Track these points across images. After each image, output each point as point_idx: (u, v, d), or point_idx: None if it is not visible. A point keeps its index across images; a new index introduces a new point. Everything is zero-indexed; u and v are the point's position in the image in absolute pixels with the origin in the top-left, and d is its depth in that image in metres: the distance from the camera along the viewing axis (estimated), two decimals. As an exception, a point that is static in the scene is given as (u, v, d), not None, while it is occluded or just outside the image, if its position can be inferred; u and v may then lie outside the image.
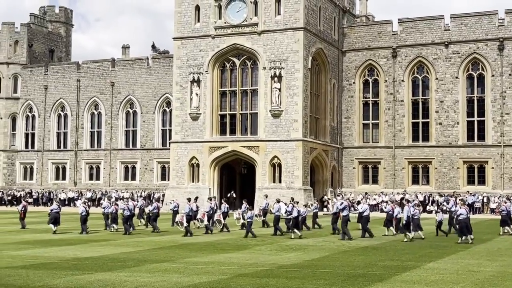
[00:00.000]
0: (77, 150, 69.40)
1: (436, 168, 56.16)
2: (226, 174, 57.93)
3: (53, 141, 71.05)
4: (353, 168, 59.30)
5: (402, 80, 57.63)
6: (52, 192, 67.05)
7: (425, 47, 56.99)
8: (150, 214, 34.33)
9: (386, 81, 58.24)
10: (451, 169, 55.67)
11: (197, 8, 55.65)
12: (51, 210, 32.87)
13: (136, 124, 67.22)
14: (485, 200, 52.51)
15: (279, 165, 52.63)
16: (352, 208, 32.58)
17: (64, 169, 70.42)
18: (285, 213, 31.22)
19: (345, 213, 29.06)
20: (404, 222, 28.13)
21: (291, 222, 29.88)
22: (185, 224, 30.70)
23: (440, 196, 53.02)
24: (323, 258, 21.90)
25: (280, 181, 52.44)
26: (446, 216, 32.53)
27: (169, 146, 58.27)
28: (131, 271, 18.60)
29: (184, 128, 55.68)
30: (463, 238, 27.21)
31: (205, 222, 32.45)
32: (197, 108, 55.05)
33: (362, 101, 59.70)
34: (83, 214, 32.21)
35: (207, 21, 55.26)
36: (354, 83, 59.48)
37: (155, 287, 15.89)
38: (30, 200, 64.81)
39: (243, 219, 32.54)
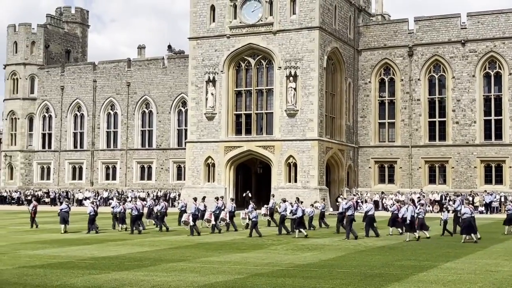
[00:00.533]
0: (93, 150, 69.77)
1: (453, 168, 55.80)
2: (242, 174, 57.97)
3: (69, 141, 71.47)
4: (369, 167, 59.08)
5: (419, 79, 57.32)
6: (69, 192, 67.45)
7: (441, 45, 56.63)
8: (158, 214, 34.55)
9: (402, 80, 57.95)
10: (468, 168, 55.29)
11: (212, 8, 55.71)
12: (61, 210, 33.09)
13: (152, 124, 67.44)
14: (502, 199, 52.07)
15: (295, 165, 52.54)
16: (358, 208, 32.56)
17: (80, 169, 70.81)
18: (290, 212, 31.26)
19: (350, 212, 29.07)
20: (408, 221, 28.05)
21: (295, 222, 29.95)
22: (191, 223, 30.72)
23: (457, 195, 52.71)
24: (340, 258, 21.84)
25: (295, 181, 52.35)
26: (452, 215, 32.31)
27: (185, 146, 58.40)
28: (148, 271, 18.66)
29: (200, 128, 55.77)
30: (467, 237, 27.03)
31: (213, 221, 32.44)
32: (212, 108, 55.11)
33: (378, 100, 59.46)
34: (91, 213, 32.41)
35: (222, 21, 55.30)
36: (370, 82, 59.25)
37: (172, 287, 15.92)
38: (47, 200, 65.33)
39: (249, 219, 32.66)
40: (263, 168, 57.43)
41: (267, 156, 53.73)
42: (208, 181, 55.12)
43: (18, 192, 69.01)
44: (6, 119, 73.71)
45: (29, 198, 65.24)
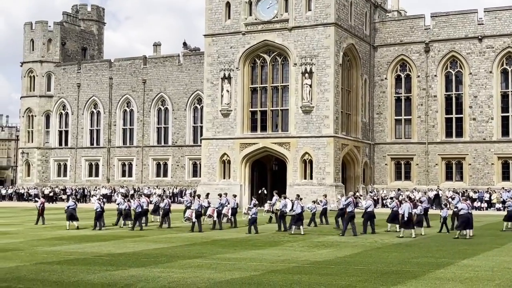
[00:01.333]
0: (109, 147, 70.09)
1: (470, 164, 55.43)
2: (257, 171, 57.96)
3: (86, 138, 71.87)
4: (385, 164, 58.84)
5: (435, 75, 56.97)
6: (86, 189, 67.83)
7: (458, 41, 56.23)
8: (161, 211, 34.87)
9: (418, 76, 57.62)
10: (485, 165, 54.89)
11: (228, 5, 55.70)
12: (68, 207, 33.27)
13: (168, 121, 67.66)
14: (520, 196, 51.63)
15: (310, 162, 52.44)
16: (358, 204, 32.70)
17: (97, 166, 71.19)
18: (290, 210, 31.31)
19: (350, 209, 29.04)
20: (406, 219, 27.96)
21: (294, 218, 30.11)
22: (193, 219, 30.90)
23: (474, 192, 52.40)
24: (356, 255, 21.77)
25: (311, 178, 52.25)
26: (450, 212, 32.17)
27: (201, 142, 58.50)
28: (164, 267, 18.71)
29: (215, 125, 55.82)
30: (462, 233, 27.15)
31: (215, 217, 32.65)
32: (228, 105, 55.13)
33: (394, 96, 59.17)
34: (98, 210, 32.67)
35: (237, 18, 55.28)
36: (386, 78, 58.98)
37: (188, 283, 15.94)
38: (64, 197, 65.68)
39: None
40: (278, 165, 57.40)
41: (282, 153, 53.68)
42: (224, 178, 55.16)
43: (36, 189, 69.48)
44: (23, 116, 74.26)
45: (51, 195, 65.40)
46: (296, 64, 52.98)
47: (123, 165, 70.01)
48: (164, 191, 60.98)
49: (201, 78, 60.75)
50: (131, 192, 61.24)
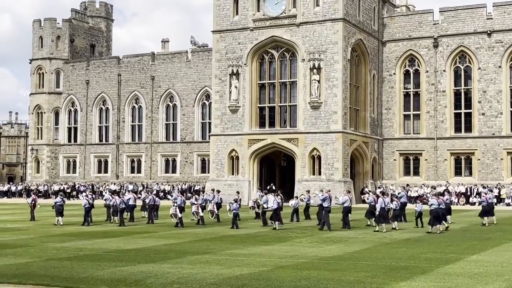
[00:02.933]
0: (118, 143, 70.30)
1: (479, 159, 55.24)
2: (266, 167, 57.98)
3: (95, 135, 72.10)
4: (394, 159, 58.72)
5: (444, 70, 56.75)
6: (95, 185, 68.06)
7: (467, 36, 55.98)
8: (147, 206, 35.46)
9: (427, 71, 57.43)
10: (495, 160, 54.68)
11: (236, 1, 55.64)
12: (55, 203, 33.77)
13: (176, 117, 67.78)
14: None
15: (319, 157, 52.41)
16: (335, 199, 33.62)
17: (106, 162, 71.41)
18: (266, 204, 31.97)
19: (326, 204, 30.02)
20: (378, 213, 28.82)
21: (266, 214, 31.41)
22: (179, 215, 31.72)
23: (484, 187, 52.19)
24: (365, 251, 21.77)
25: (319, 173, 52.23)
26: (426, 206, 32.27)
27: (209, 139, 58.55)
28: (173, 263, 18.78)
29: (224, 121, 55.85)
30: (433, 227, 27.60)
31: (201, 213, 33.18)
32: (236, 101, 55.15)
33: (403, 92, 59.00)
34: (86, 206, 33.13)
35: (245, 14, 55.24)
36: (394, 73, 58.80)
37: (197, 279, 15.99)
38: (73, 193, 65.91)
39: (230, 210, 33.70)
40: (287, 161, 57.39)
41: (291, 148, 53.66)
42: (232, 174, 55.22)
43: (45, 186, 69.77)
44: (32, 113, 74.57)
45: (69, 190, 65.38)
46: (304, 59, 52.92)
47: (132, 161, 70.21)
48: (173, 187, 61.07)
49: (209, 74, 60.79)
50: (140, 188, 61.50)
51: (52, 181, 71.92)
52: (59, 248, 22.68)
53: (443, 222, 28.35)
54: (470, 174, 55.94)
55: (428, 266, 18.04)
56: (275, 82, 54.96)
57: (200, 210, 33.20)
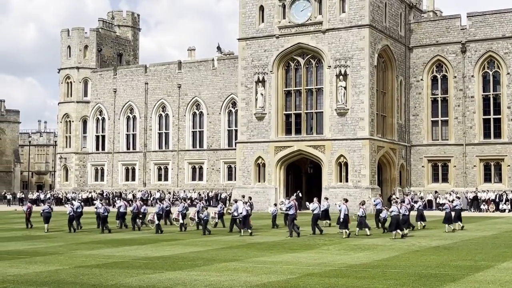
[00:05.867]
0: (145, 151, 70.74)
1: (509, 166, 54.47)
2: (292, 174, 57.85)
3: (122, 143, 72.65)
4: (422, 166, 58.19)
5: (472, 76, 56.17)
6: (122, 193, 68.48)
7: (495, 41, 55.38)
8: (131, 213, 35.97)
9: (455, 77, 56.89)
10: (525, 166, 53.88)
11: (261, 8, 55.78)
12: (43, 211, 34.57)
13: (203, 125, 68.01)
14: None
15: (346, 164, 52.15)
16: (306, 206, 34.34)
17: (133, 170, 71.87)
18: (236, 211, 32.41)
19: (291, 212, 30.54)
20: (341, 219, 29.52)
21: (237, 221, 32.01)
22: (156, 221, 33.00)
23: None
24: (393, 258, 21.57)
25: (346, 180, 51.97)
26: (396, 213, 31.75)
27: (235, 146, 58.63)
28: (201, 270, 18.80)
29: (250, 128, 55.91)
30: (392, 232, 28.52)
31: (181, 221, 34.22)
32: (262, 108, 55.18)
33: (431, 98, 58.50)
34: (70, 214, 34.11)
35: (271, 21, 55.32)
36: (422, 79, 58.36)
37: (225, 286, 15.98)
38: (102, 201, 66.12)
39: (198, 218, 34.35)
40: (313, 168, 57.19)
41: (317, 155, 53.49)
42: (259, 181, 55.20)
43: (73, 193, 70.39)
44: (61, 122, 75.39)
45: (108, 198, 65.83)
46: (330, 66, 52.78)
47: (159, 169, 70.57)
48: (200, 194, 61.20)
49: (235, 82, 60.94)
50: (167, 196, 61.61)
51: (80, 189, 72.57)
52: (88, 256, 22.85)
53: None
54: (500, 180, 55.16)
55: (458, 273, 17.81)
56: (301, 89, 54.89)
57: (180, 217, 34.41)
